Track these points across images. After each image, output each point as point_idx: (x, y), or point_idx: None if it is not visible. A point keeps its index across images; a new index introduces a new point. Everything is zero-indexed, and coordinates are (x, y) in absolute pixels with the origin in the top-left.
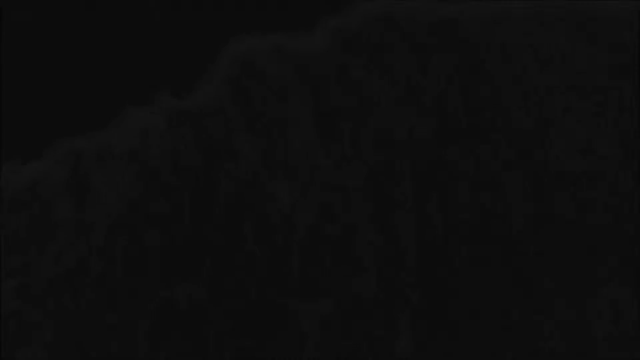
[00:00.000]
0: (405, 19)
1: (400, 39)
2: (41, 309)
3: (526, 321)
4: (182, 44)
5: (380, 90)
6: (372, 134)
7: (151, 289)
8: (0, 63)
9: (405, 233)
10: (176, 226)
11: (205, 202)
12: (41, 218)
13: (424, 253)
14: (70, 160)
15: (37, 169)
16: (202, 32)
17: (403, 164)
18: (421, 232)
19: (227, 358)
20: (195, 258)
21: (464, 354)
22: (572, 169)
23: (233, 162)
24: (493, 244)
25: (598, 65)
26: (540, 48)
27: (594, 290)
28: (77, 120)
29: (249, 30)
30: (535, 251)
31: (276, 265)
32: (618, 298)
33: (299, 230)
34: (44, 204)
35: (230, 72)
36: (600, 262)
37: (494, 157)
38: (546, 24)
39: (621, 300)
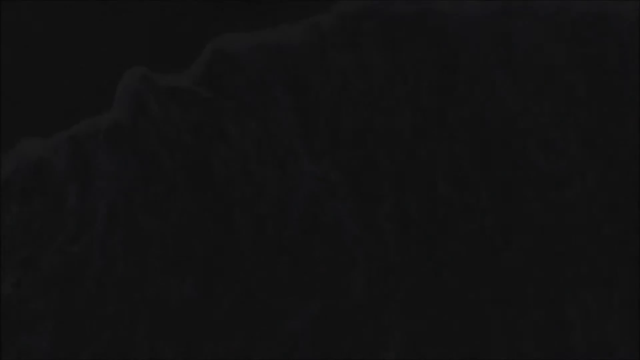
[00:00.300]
0: (380, 13)
1: (375, 33)
2: (44, 299)
3: (505, 323)
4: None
5: (357, 85)
6: (350, 127)
7: (149, 282)
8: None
9: (388, 229)
10: (171, 212)
11: (199, 186)
12: (47, 207)
13: (407, 250)
14: (69, 146)
15: (39, 154)
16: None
17: (381, 158)
18: (404, 229)
19: (220, 356)
20: (188, 249)
21: (447, 354)
22: (540, 169)
23: (225, 145)
24: (467, 244)
25: (564, 63)
26: (506, 45)
27: (569, 295)
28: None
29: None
30: (508, 252)
31: (266, 261)
32: (593, 303)
33: (290, 221)
34: (49, 193)
35: (211, 66)
36: (573, 265)
37: (465, 155)
38: (514, 21)
39: (597, 305)
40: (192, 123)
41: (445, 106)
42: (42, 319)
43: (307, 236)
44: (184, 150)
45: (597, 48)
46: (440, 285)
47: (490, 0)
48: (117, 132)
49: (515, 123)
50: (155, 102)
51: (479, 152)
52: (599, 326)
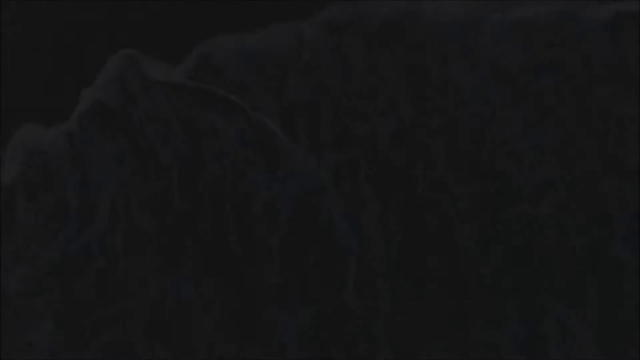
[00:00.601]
0: (365, 19)
1: (357, 40)
2: (44, 297)
3: (485, 337)
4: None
5: (340, 89)
6: (331, 132)
7: (148, 283)
8: None
9: (374, 237)
10: (167, 211)
11: (192, 184)
12: (49, 202)
13: (393, 260)
14: (65, 139)
15: (37, 148)
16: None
17: (363, 164)
18: (388, 238)
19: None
20: (183, 250)
21: None
22: (512, 181)
23: (215, 140)
24: (447, 256)
25: (531, 68)
26: (474, 51)
27: (545, 310)
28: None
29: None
30: (486, 266)
31: (257, 265)
32: (568, 318)
33: (281, 223)
34: (50, 187)
35: (192, 70)
36: (549, 279)
37: (441, 165)
38: (482, 26)
39: (572, 320)
40: (181, 115)
41: (419, 114)
42: (44, 318)
43: (298, 238)
44: (176, 144)
45: (564, 52)
46: (423, 296)
47: (471, 3)
48: (109, 120)
49: (484, 133)
50: (143, 90)
51: (453, 162)
52: (575, 341)
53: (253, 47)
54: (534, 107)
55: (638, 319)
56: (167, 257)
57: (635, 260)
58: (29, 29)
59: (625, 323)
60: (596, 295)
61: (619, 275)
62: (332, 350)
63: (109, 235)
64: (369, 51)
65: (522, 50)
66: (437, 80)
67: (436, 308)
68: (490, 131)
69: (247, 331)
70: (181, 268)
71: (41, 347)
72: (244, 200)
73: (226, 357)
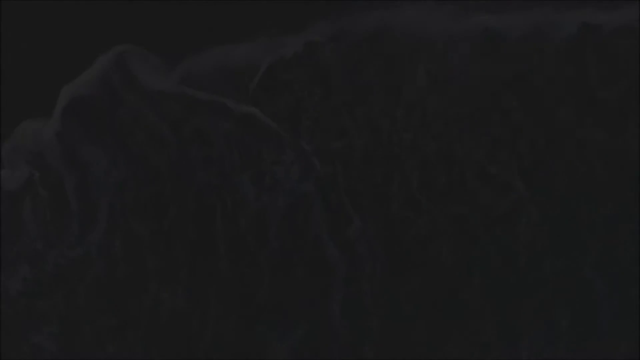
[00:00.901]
0: (344, 36)
1: (337, 57)
2: (49, 301)
3: (465, 357)
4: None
5: (320, 105)
6: (311, 146)
7: (145, 290)
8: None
9: (360, 253)
10: (161, 218)
11: (184, 190)
12: (52, 204)
13: (377, 279)
14: (59, 139)
15: (36, 149)
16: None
17: (340, 179)
18: (373, 255)
19: None
20: (177, 259)
21: None
22: (486, 202)
23: (204, 146)
24: (427, 278)
25: (498, 86)
26: (442, 69)
27: (520, 334)
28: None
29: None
30: (466, 289)
31: (248, 281)
32: (542, 342)
33: (270, 237)
34: (52, 189)
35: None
36: (523, 303)
37: (414, 183)
38: (453, 43)
39: (545, 344)
40: (168, 119)
41: (393, 131)
42: (48, 321)
43: (287, 254)
44: (166, 149)
45: (530, 68)
46: (405, 318)
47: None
48: (94, 120)
49: (453, 152)
50: (129, 92)
51: (426, 181)
52: None
53: (233, 63)
54: (501, 126)
55: (610, 342)
56: (162, 265)
57: (607, 286)
58: (29, 28)
59: (598, 345)
60: (569, 319)
61: (591, 299)
62: None
63: (108, 239)
64: (347, 68)
65: (489, 65)
66: (407, 99)
67: (417, 329)
68: (460, 151)
69: (240, 351)
70: (176, 277)
71: (44, 349)
72: (233, 211)
73: None
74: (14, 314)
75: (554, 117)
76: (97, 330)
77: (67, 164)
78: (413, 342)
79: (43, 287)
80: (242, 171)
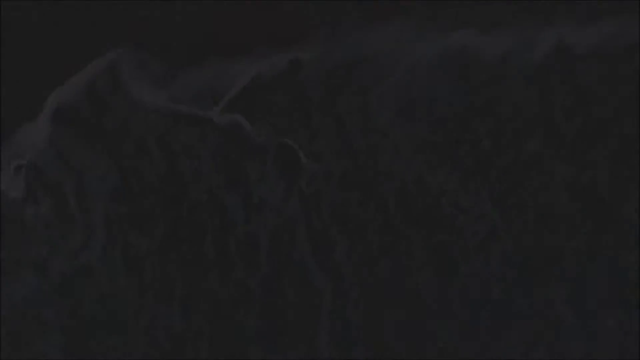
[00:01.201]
0: (326, 60)
1: (317, 80)
2: (53, 309)
3: None
4: None
5: (299, 130)
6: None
7: (144, 307)
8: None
9: (346, 279)
10: (155, 231)
11: (175, 206)
12: (53, 209)
13: (365, 306)
14: (53, 145)
15: (34, 153)
16: None
17: (325, 201)
18: (358, 281)
19: None
20: (173, 278)
21: None
22: (460, 232)
23: (191, 161)
24: (407, 308)
25: (467, 113)
26: (412, 95)
27: None
28: None
29: None
30: (445, 323)
31: (237, 307)
32: None
33: (260, 260)
34: (52, 195)
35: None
36: (498, 340)
37: (390, 211)
38: (422, 67)
39: None
40: (156, 132)
41: (369, 156)
42: (53, 330)
43: (276, 279)
44: (155, 162)
45: (498, 94)
46: (388, 347)
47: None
48: (81, 128)
49: (424, 180)
50: (117, 102)
51: (402, 206)
52: None
53: (227, 77)
54: (471, 154)
55: None
56: (158, 281)
57: (578, 323)
58: (29, 29)
59: None
60: (543, 354)
61: (562, 336)
62: None
63: (109, 250)
64: (327, 92)
65: (457, 89)
66: (376, 125)
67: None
68: (432, 179)
69: None
70: (171, 295)
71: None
72: (222, 232)
73: None
74: (21, 321)
75: (521, 148)
76: (101, 347)
77: (63, 169)
78: None
79: (51, 296)
80: (229, 189)
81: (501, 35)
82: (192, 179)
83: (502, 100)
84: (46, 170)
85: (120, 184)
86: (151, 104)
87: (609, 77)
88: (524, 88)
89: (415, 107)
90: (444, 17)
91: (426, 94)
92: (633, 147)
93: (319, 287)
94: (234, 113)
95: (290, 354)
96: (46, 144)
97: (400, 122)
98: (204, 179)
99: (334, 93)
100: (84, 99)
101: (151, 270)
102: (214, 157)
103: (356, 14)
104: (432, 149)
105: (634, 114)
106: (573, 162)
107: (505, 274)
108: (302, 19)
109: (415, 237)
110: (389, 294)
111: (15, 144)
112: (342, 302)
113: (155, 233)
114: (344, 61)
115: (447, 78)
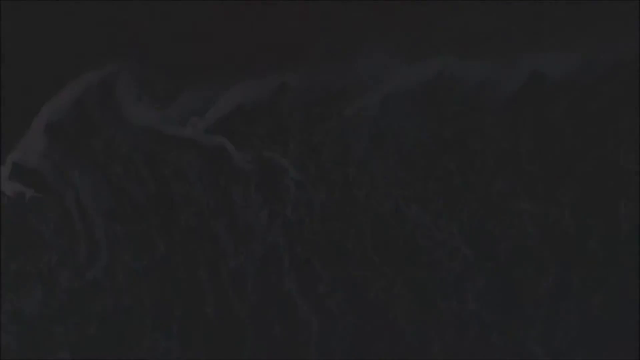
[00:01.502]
0: (310, 91)
1: (299, 112)
2: (63, 325)
3: None
4: None
5: (279, 159)
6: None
7: (143, 331)
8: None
9: (330, 311)
10: (150, 254)
11: (168, 230)
12: (57, 220)
13: (349, 341)
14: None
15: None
16: None
17: (307, 233)
18: (342, 315)
19: None
20: (168, 303)
21: None
22: (439, 267)
23: (182, 184)
24: (390, 343)
25: (436, 145)
26: (385, 129)
27: None
28: None
29: None
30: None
31: (230, 337)
32: None
33: (249, 291)
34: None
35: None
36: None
37: (369, 245)
38: (396, 98)
39: None
40: (144, 153)
41: (345, 188)
42: (62, 346)
43: (264, 310)
44: (146, 184)
45: (468, 129)
46: None
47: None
48: (70, 146)
49: (400, 216)
50: (104, 121)
51: (378, 240)
52: None
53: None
54: (442, 190)
55: None
56: (157, 307)
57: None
58: (29, 29)
59: None
60: None
61: None
62: None
63: (111, 269)
64: (307, 123)
65: (429, 124)
66: (354, 158)
67: None
68: (407, 213)
69: None
70: (169, 317)
71: None
72: (214, 260)
73: None
74: (33, 334)
75: (490, 185)
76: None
77: (61, 182)
78: None
79: (61, 311)
80: (217, 215)
81: (479, 60)
82: (180, 201)
83: (470, 137)
84: (49, 181)
85: (113, 202)
86: (138, 124)
87: (578, 111)
88: (494, 122)
89: (385, 141)
90: (423, 43)
91: (396, 127)
92: (598, 183)
93: (304, 318)
94: (218, 135)
95: None
96: (42, 157)
97: (374, 155)
98: (191, 202)
99: (313, 122)
100: (72, 114)
101: (151, 288)
102: (200, 179)
103: (342, 40)
104: (405, 184)
105: (602, 147)
106: (540, 200)
107: (481, 317)
108: (291, 45)
109: (393, 274)
110: (372, 328)
111: (19, 153)
112: (328, 333)
113: (153, 252)
114: (326, 90)
115: (418, 111)
